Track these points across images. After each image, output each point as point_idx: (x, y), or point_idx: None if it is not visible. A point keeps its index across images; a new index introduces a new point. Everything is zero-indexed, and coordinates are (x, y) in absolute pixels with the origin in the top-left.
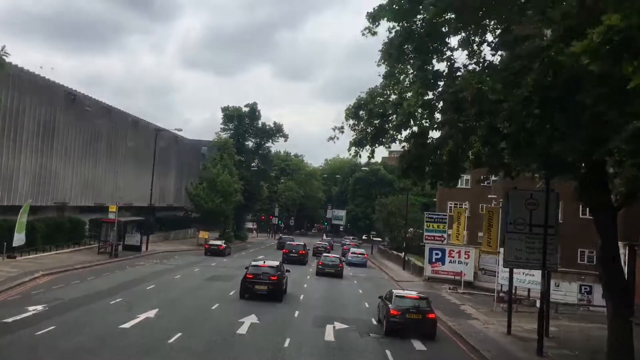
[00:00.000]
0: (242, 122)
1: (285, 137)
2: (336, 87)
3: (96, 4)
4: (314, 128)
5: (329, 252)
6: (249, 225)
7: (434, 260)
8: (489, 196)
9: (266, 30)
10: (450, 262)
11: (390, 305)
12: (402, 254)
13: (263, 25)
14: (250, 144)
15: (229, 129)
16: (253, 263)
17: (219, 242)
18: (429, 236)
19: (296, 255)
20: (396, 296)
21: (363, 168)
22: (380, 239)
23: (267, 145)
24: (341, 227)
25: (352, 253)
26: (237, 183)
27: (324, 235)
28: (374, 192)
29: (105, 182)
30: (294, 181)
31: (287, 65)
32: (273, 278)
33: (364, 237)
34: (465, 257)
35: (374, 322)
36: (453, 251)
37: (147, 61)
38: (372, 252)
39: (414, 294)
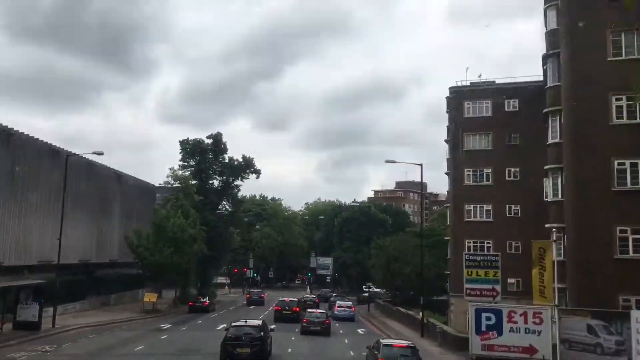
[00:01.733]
0: (205, 157)
1: (257, 172)
2: (316, 137)
3: (75, 62)
4: (294, 178)
5: (316, 307)
6: (221, 280)
7: (484, 328)
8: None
9: (244, 83)
10: (511, 330)
11: (377, 354)
12: (420, 314)
13: (241, 78)
14: (215, 182)
15: (189, 165)
16: (233, 324)
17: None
18: (471, 289)
19: (290, 312)
20: (384, 345)
21: (352, 203)
22: (379, 290)
23: (236, 183)
24: (328, 277)
25: (338, 307)
26: (194, 228)
27: (308, 288)
28: (365, 234)
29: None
30: (272, 227)
31: (266, 117)
32: (256, 340)
33: (365, 289)
34: (535, 322)
35: None
36: (515, 313)
37: (126, 117)
38: (369, 309)
39: (402, 342)
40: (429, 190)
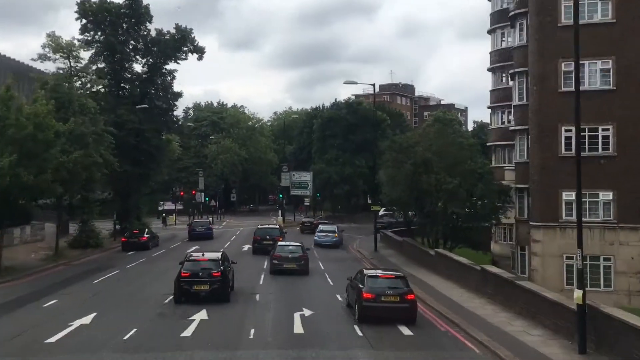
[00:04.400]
0: (117, 28)
1: (199, 51)
2: (286, 55)
3: None
4: (263, 99)
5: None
6: (168, 206)
7: None
8: None
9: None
10: None
11: (362, 288)
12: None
13: None
14: (137, 67)
15: (93, 41)
16: (189, 257)
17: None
18: None
19: (272, 243)
20: (369, 276)
21: (339, 100)
22: (389, 212)
23: (168, 67)
24: (306, 198)
25: (319, 232)
26: (83, 121)
27: (279, 213)
28: (356, 140)
29: None
30: (232, 139)
31: (233, 35)
32: (216, 274)
33: (383, 211)
34: None
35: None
36: None
37: None
38: (376, 246)
39: (389, 272)
40: (417, 94)
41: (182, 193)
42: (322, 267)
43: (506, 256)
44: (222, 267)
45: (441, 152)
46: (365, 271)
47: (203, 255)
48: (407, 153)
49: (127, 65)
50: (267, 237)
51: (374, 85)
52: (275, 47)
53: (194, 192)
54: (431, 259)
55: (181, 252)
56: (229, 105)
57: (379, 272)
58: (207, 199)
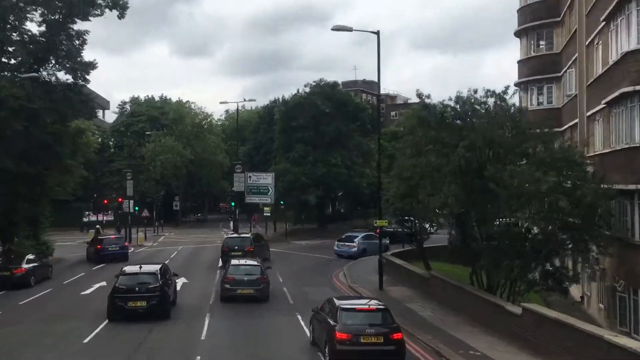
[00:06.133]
0: None
1: (122, 7)
2: (240, 62)
3: None
4: (216, 107)
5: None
6: (92, 217)
7: None
8: None
9: (160, 5)
10: None
11: (334, 325)
12: None
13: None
14: (32, 27)
15: None
16: (125, 270)
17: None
18: None
19: (241, 253)
20: (342, 309)
21: (305, 86)
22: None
23: (75, 28)
24: (266, 208)
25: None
26: None
27: (231, 225)
28: (330, 132)
29: None
30: (175, 137)
31: (186, 41)
32: (154, 289)
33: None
34: None
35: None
36: None
37: None
38: (382, 282)
39: (368, 304)
40: (383, 92)
41: (105, 201)
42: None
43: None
44: (161, 281)
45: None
46: (337, 301)
47: (140, 268)
48: (452, 131)
49: (14, 22)
50: (236, 247)
51: (377, 33)
52: (230, 54)
53: (120, 199)
54: (514, 322)
55: (79, 289)
56: (174, 100)
57: (355, 303)
58: (136, 208)
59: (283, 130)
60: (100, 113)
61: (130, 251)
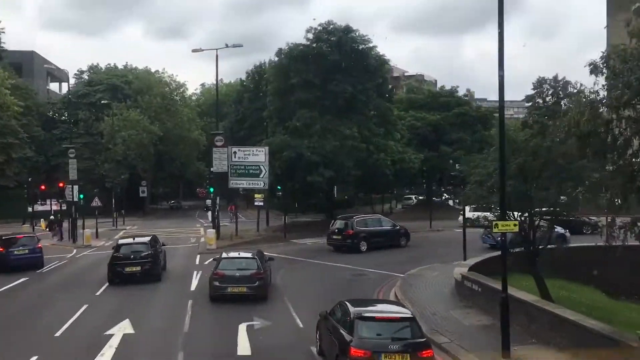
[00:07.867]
0: None
1: None
2: (217, 45)
3: None
4: (193, 92)
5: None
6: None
7: None
8: None
9: None
10: None
11: (351, 340)
12: None
13: None
14: None
15: None
16: (121, 242)
17: None
18: None
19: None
20: (359, 318)
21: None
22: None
23: None
24: (257, 195)
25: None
26: None
27: (208, 215)
28: (342, 89)
29: None
30: (141, 110)
31: (161, 23)
32: (146, 256)
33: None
34: None
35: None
36: None
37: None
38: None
39: (390, 311)
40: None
41: (42, 187)
42: None
43: None
44: (152, 250)
45: None
46: (351, 308)
47: (134, 239)
48: None
49: None
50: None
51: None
52: (207, 36)
53: (61, 184)
54: None
55: None
56: (140, 69)
57: (376, 310)
58: (81, 196)
59: (278, 91)
60: (56, 86)
61: (70, 255)
